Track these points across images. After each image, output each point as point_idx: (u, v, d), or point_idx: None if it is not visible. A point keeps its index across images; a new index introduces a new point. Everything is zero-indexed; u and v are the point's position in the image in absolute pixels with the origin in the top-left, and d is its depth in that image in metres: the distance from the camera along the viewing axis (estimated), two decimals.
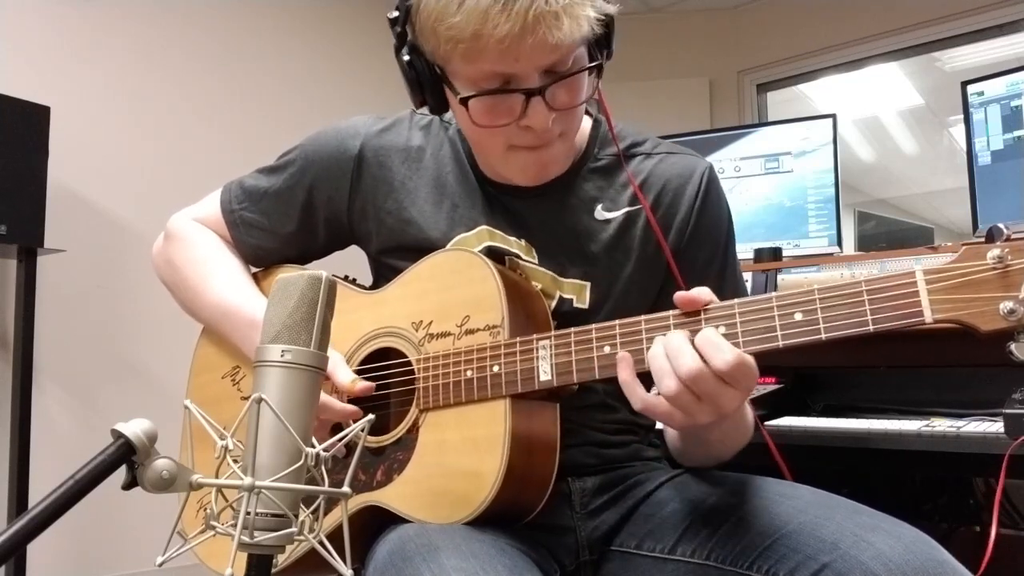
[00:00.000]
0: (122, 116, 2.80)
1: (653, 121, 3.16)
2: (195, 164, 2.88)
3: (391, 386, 0.95)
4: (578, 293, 0.97)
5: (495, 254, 0.97)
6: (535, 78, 0.84)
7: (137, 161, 2.81)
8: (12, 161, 2.18)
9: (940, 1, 3.53)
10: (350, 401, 0.90)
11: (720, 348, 0.72)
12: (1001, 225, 0.68)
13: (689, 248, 0.99)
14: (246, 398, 1.01)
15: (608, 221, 0.99)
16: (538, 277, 0.97)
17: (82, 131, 2.65)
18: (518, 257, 0.98)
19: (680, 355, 0.73)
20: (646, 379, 0.78)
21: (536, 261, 0.98)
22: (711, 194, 1.00)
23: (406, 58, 0.89)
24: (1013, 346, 0.66)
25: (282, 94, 3.25)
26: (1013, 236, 0.68)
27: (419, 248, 0.98)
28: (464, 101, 0.85)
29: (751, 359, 0.74)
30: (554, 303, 0.97)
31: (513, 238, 0.98)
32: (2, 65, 2.50)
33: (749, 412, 0.94)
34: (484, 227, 0.98)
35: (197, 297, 1.07)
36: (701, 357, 0.73)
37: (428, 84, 0.89)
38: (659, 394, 0.75)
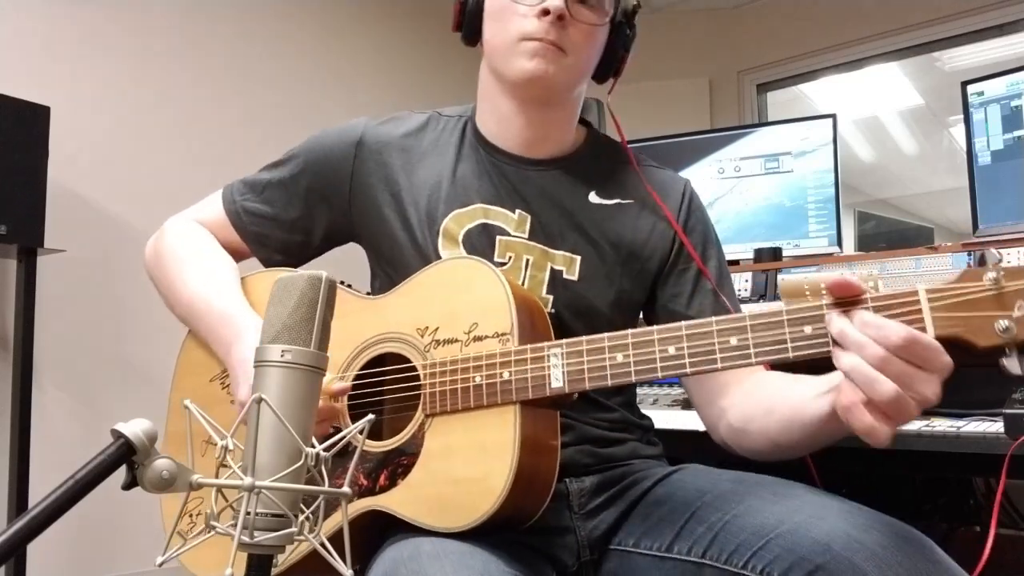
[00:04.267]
0: (122, 116, 2.80)
1: (653, 121, 3.16)
2: (195, 164, 2.88)
3: (394, 391, 0.95)
4: (568, 265, 1.02)
5: (487, 234, 1.02)
6: None
7: (137, 161, 2.81)
8: (12, 161, 2.18)
9: (940, 1, 3.53)
10: (351, 405, 0.90)
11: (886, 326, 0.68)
12: (993, 250, 0.72)
13: (682, 247, 1.07)
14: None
15: (601, 206, 1.06)
16: (529, 250, 1.02)
17: (82, 131, 2.65)
18: (507, 233, 1.02)
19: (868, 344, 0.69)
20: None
21: (526, 235, 1.02)
22: (695, 200, 1.12)
23: None
24: (1004, 361, 0.70)
25: (282, 94, 3.25)
26: (1008, 237, 0.70)
27: (417, 231, 1.02)
28: None
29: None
30: (547, 275, 1.01)
31: (506, 211, 1.03)
32: (2, 65, 2.50)
33: None
34: (478, 205, 1.03)
35: (175, 289, 1.08)
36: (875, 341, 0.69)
37: (473, 5, 1.03)
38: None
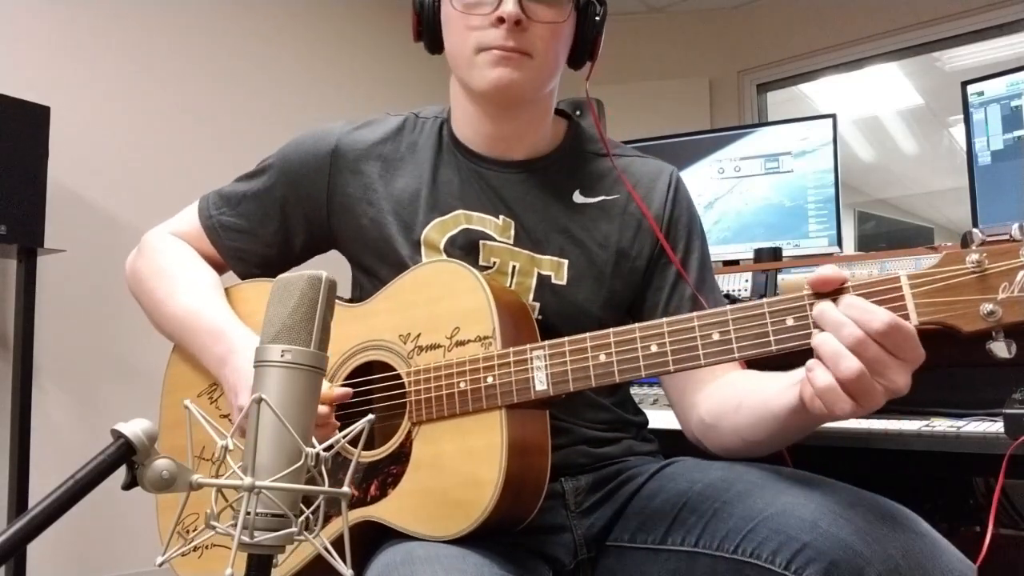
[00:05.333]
0: (122, 116, 2.80)
1: (653, 121, 3.17)
2: (195, 164, 2.88)
3: (380, 400, 0.94)
4: (556, 270, 1.00)
5: (470, 239, 0.99)
6: None
7: (137, 161, 2.81)
8: (12, 161, 2.18)
9: (940, 1, 3.53)
10: (338, 416, 0.89)
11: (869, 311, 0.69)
12: (976, 230, 0.70)
13: (667, 238, 1.05)
14: (225, 416, 1.00)
15: (585, 205, 1.04)
16: (514, 256, 1.00)
17: (82, 131, 2.66)
18: (492, 239, 1.00)
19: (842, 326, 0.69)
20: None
21: (511, 241, 1.00)
22: (681, 190, 1.08)
23: None
24: (992, 345, 0.68)
25: (281, 95, 3.25)
26: (989, 239, 0.70)
27: (397, 241, 1.00)
28: None
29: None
30: (533, 281, 0.99)
31: (490, 217, 1.01)
32: (2, 65, 2.50)
33: None
34: (460, 211, 1.01)
35: (160, 306, 1.05)
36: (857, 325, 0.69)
37: (429, 15, 1.00)
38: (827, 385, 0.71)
